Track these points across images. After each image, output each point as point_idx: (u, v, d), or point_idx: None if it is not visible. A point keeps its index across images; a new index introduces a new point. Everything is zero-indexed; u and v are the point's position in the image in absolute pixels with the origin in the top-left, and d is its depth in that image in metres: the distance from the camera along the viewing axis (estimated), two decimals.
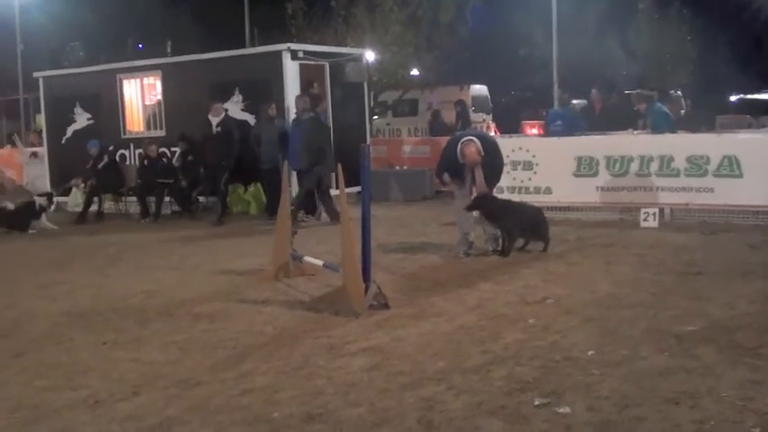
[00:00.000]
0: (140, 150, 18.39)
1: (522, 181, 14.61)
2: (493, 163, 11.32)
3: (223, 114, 16.95)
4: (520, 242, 11.48)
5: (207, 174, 17.06)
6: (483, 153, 11.10)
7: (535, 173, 14.67)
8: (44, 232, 16.25)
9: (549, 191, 14.55)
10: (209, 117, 16.75)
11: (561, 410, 5.41)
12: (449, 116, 27.87)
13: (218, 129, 16.69)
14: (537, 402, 5.57)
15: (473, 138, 11.37)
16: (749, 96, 37.86)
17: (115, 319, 8.64)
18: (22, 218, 16.46)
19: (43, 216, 16.76)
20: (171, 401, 5.99)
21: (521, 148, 14.86)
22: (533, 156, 14.73)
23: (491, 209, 11.33)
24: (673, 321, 7.50)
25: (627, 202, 13.98)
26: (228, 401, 5.92)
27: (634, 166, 13.80)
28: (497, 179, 11.64)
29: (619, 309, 8.08)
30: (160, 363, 7.01)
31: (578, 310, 8.12)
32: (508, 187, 14.08)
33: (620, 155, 13.93)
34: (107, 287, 10.49)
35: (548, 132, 17.04)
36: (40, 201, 16.92)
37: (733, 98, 39.96)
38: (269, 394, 6.02)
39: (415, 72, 34.14)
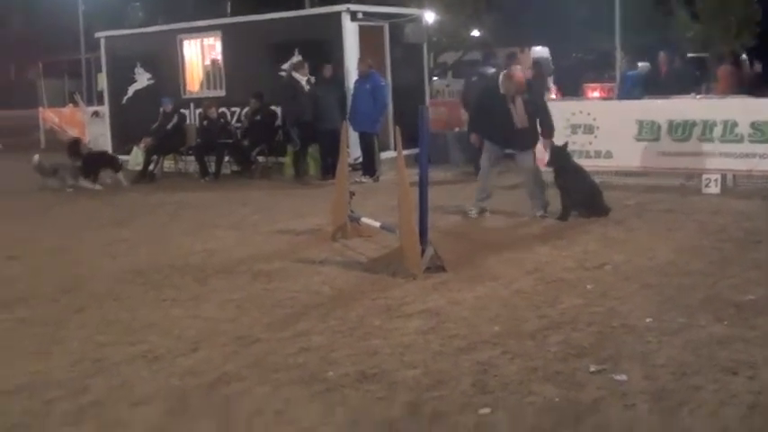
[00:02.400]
0: (200, 110, 18.48)
1: (582, 145, 14.41)
2: (538, 109, 11.56)
3: (307, 73, 16.89)
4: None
5: (305, 131, 16.86)
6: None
7: (596, 136, 14.47)
8: (105, 191, 16.41)
9: (609, 155, 14.36)
10: (295, 75, 16.71)
11: (617, 377, 5.40)
12: None
13: (310, 87, 16.66)
14: (592, 369, 5.56)
15: None
16: None
17: (174, 277, 8.75)
18: (95, 165, 16.84)
19: (119, 173, 17.10)
20: (229, 358, 6.08)
21: (581, 112, 14.68)
22: (594, 119, 14.54)
23: (562, 166, 11.40)
24: (732, 290, 7.42)
25: (689, 168, 13.76)
26: (285, 359, 5.99)
27: (697, 131, 13.57)
28: (549, 129, 11.67)
29: (678, 276, 8.00)
30: (219, 320, 7.11)
31: (637, 276, 8.06)
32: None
33: (683, 119, 13.71)
34: (167, 245, 10.62)
35: (626, 96, 16.80)
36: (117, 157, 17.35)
37: None
38: (325, 353, 6.08)
39: (475, 33, 33.80)
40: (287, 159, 17.45)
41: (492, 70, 16.25)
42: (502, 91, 11.37)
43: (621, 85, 17.38)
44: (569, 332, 6.36)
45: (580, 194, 11.31)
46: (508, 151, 12.05)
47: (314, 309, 7.33)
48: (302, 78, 16.64)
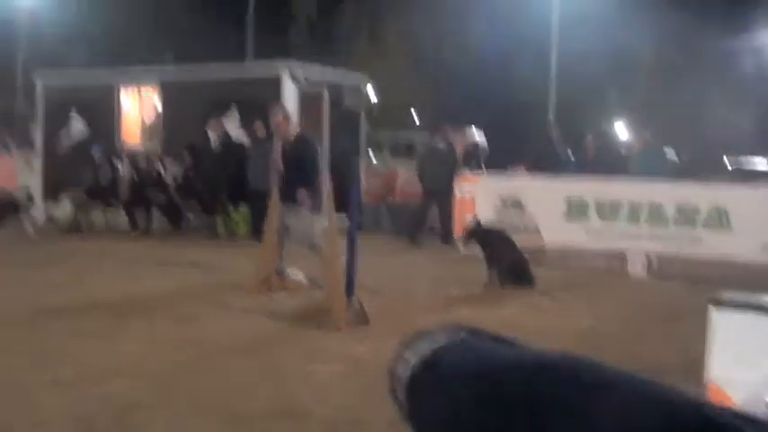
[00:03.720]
0: (132, 162, 18.29)
1: (511, 219, 14.56)
2: (300, 160, 11.12)
3: (221, 131, 16.95)
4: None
5: (204, 189, 16.97)
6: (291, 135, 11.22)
7: (524, 212, 14.64)
8: (28, 236, 16.07)
9: (537, 231, 14.52)
10: (209, 132, 16.75)
11: None
12: None
13: (218, 145, 16.70)
14: None
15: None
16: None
17: (93, 314, 8.60)
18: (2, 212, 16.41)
19: (24, 218, 16.65)
20: (138, 389, 5.99)
21: (512, 187, 14.89)
22: (524, 195, 14.73)
23: (479, 240, 11.51)
24: (650, 354, 7.48)
25: (615, 248, 13.93)
26: (197, 392, 5.91)
27: (624, 212, 13.80)
28: (307, 180, 11.22)
29: (595, 339, 8.07)
30: (131, 353, 6.98)
31: (555, 337, 8.05)
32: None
33: (611, 200, 13.94)
34: (88, 286, 10.45)
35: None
36: (19, 198, 16.88)
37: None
38: (239, 389, 6.00)
39: (414, 114, 34.34)
40: (218, 218, 17.29)
41: (441, 145, 16.69)
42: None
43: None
44: None
45: (504, 263, 11.34)
46: None
47: (232, 350, 7.25)
48: (212, 136, 16.71)
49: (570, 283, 11.93)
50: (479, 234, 11.76)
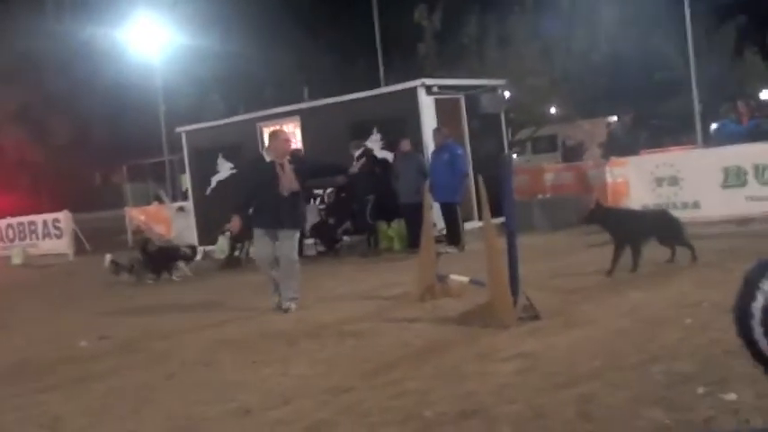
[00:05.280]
0: None
1: (668, 197, 14.19)
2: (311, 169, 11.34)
3: (362, 149, 17.07)
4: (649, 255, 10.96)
5: (355, 209, 17.14)
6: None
7: (681, 188, 14.23)
8: (189, 279, 16.38)
9: (696, 205, 14.07)
10: (352, 152, 16.85)
11: (727, 397, 5.15)
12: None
13: (361, 163, 16.80)
14: (701, 391, 5.31)
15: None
16: None
17: (264, 343, 8.70)
18: (164, 260, 16.70)
19: (184, 264, 16.88)
20: (321, 407, 5.98)
21: (665, 164, 14.48)
22: (678, 170, 14.31)
23: (605, 218, 11.05)
24: None
25: None
26: (379, 404, 5.86)
27: None
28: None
29: None
30: (309, 376, 7.02)
31: None
32: (654, 204, 13.74)
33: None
34: (253, 317, 10.54)
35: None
36: (184, 249, 17.19)
37: None
38: (420, 396, 5.94)
39: (552, 110, 33.89)
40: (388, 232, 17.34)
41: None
42: (268, 158, 10.74)
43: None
44: (671, 362, 6.13)
45: (642, 232, 10.86)
46: None
47: (406, 359, 7.20)
48: (355, 153, 16.85)
49: (738, 253, 11.40)
50: (601, 215, 11.25)
